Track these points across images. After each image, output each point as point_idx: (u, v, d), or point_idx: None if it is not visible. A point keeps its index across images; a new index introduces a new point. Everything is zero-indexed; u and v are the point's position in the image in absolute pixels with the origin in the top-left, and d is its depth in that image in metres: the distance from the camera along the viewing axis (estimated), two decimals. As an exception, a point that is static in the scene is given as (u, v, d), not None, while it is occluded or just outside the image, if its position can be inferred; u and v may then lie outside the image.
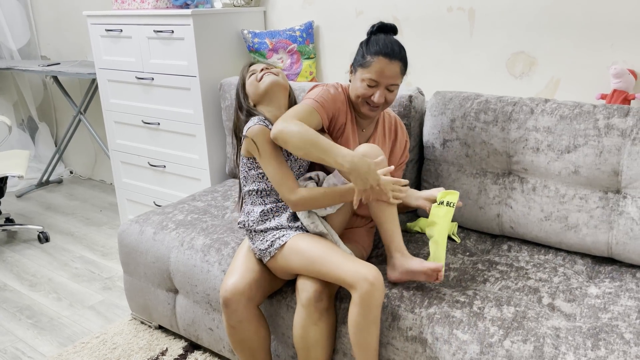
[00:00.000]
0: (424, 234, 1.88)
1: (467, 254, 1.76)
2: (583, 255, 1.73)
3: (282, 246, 1.51)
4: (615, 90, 1.82)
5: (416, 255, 1.71)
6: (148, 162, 2.76)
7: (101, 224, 3.21)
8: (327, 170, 1.64)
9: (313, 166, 1.68)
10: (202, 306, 1.83)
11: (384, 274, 1.58)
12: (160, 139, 2.67)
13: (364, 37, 2.41)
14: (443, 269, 1.44)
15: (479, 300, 1.45)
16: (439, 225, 1.52)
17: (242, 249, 1.65)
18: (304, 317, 1.45)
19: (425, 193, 1.64)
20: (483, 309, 1.42)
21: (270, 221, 1.56)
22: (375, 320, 1.38)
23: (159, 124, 2.63)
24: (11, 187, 3.83)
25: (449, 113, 1.86)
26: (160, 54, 2.51)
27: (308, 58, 2.54)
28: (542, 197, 1.71)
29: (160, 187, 2.78)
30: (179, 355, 1.95)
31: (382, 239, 1.54)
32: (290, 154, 1.59)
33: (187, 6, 2.61)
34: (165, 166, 2.69)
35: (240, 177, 1.64)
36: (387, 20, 2.31)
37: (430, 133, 1.92)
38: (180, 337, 2.07)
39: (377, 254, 1.75)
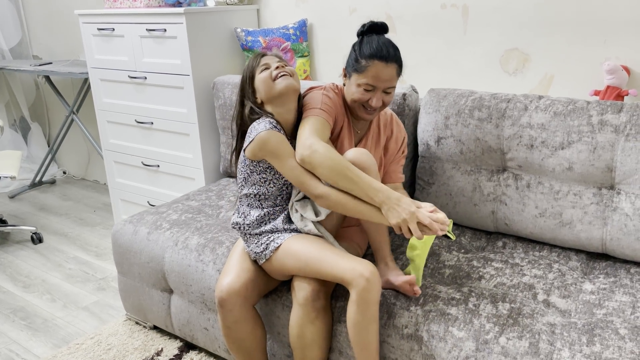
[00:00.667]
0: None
1: (462, 251, 1.76)
2: (577, 251, 1.73)
3: (276, 248, 1.50)
4: (608, 87, 1.82)
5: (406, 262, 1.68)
6: (142, 162, 2.74)
7: (95, 225, 3.19)
8: None
9: None
10: (197, 306, 1.82)
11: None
12: (154, 138, 2.66)
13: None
14: (408, 287, 1.46)
15: (475, 297, 1.45)
16: (419, 250, 1.49)
17: (236, 248, 1.64)
18: (300, 316, 1.45)
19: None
20: (478, 305, 1.42)
21: (266, 225, 1.55)
22: (374, 317, 1.38)
23: (152, 123, 2.62)
24: (3, 188, 3.80)
25: (443, 110, 1.86)
26: (153, 53, 2.49)
27: (302, 56, 2.53)
28: (536, 193, 1.71)
29: (154, 186, 2.76)
30: (174, 356, 1.95)
31: (371, 246, 1.54)
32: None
33: (179, 5, 2.60)
34: (159, 166, 2.68)
35: (239, 177, 1.58)
36: (381, 18, 2.31)
37: (424, 130, 1.92)
38: (176, 337, 2.06)
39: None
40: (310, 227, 1.51)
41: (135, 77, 2.59)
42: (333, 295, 1.54)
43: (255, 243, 1.54)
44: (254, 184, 1.54)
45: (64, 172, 4.11)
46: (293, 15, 2.57)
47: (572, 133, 1.63)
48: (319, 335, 1.46)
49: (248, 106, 1.55)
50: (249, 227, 1.54)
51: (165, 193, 2.71)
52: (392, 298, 1.48)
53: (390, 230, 1.74)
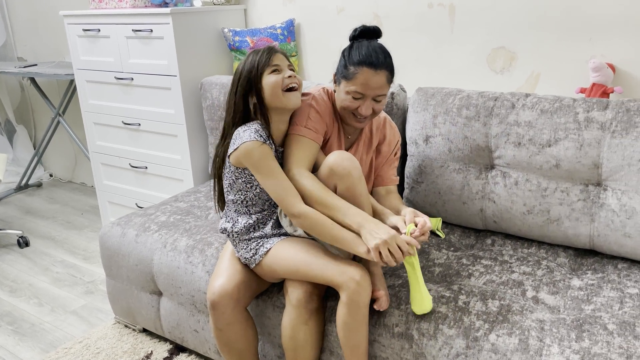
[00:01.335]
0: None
1: (452, 249, 1.76)
2: (565, 247, 1.75)
3: (265, 253, 1.49)
4: (594, 84, 1.84)
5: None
6: (129, 164, 2.72)
7: (82, 228, 3.16)
8: None
9: None
10: (186, 308, 1.81)
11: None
12: (141, 139, 2.64)
13: (345, 34, 2.40)
14: (385, 298, 1.42)
15: (464, 295, 1.46)
16: (410, 274, 1.40)
17: (227, 249, 1.63)
18: (293, 318, 1.44)
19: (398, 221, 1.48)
20: (468, 303, 1.43)
21: (255, 232, 1.53)
22: (363, 319, 1.38)
23: (139, 124, 2.59)
24: (-11, 192, 3.76)
25: (431, 109, 1.87)
26: (140, 54, 2.47)
27: (290, 56, 2.52)
28: (524, 191, 1.72)
29: (142, 188, 2.74)
30: (164, 359, 1.93)
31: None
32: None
33: (166, 5, 2.58)
34: (146, 167, 2.66)
35: (225, 183, 1.55)
36: (368, 17, 2.31)
37: (413, 129, 1.92)
38: (165, 339, 2.05)
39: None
40: (300, 231, 1.50)
41: (121, 78, 2.57)
42: (325, 295, 1.54)
43: (245, 248, 1.52)
44: (240, 190, 1.51)
45: (51, 175, 4.06)
46: (280, 15, 2.57)
47: (558, 130, 1.64)
48: (311, 336, 1.46)
49: (252, 103, 1.48)
50: (238, 233, 1.53)
51: (154, 195, 2.69)
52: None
53: None
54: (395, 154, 1.72)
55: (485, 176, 1.80)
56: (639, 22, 1.79)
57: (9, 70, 3.22)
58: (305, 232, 1.49)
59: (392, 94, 1.95)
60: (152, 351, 1.98)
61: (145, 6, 2.62)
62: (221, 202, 1.61)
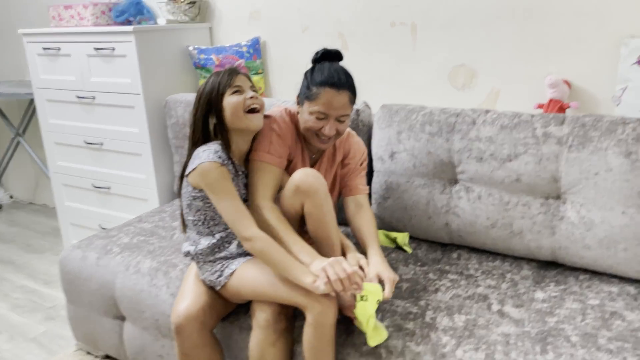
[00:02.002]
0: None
1: (419, 264, 1.77)
2: (529, 260, 1.77)
3: (230, 275, 1.46)
4: (551, 100, 1.89)
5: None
6: (92, 184, 2.66)
7: (43, 251, 3.05)
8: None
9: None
10: (151, 332, 1.76)
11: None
12: (104, 159, 2.58)
13: (311, 52, 2.41)
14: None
15: (431, 311, 1.46)
16: (358, 322, 1.36)
17: (191, 271, 1.60)
18: (261, 339, 1.41)
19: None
20: (435, 319, 1.43)
21: (220, 252, 1.50)
22: (330, 340, 1.36)
23: (102, 144, 2.54)
24: (-56, 215, 3.61)
25: (396, 125, 1.89)
26: (102, 72, 2.43)
27: (256, 74, 2.53)
28: (487, 205, 1.75)
29: (105, 209, 2.68)
30: (128, 385, 1.87)
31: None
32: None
33: (129, 23, 2.55)
34: (110, 187, 2.60)
35: (183, 204, 1.52)
36: (333, 35, 2.33)
37: (378, 145, 1.94)
38: (130, 365, 1.99)
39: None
40: None
41: (83, 97, 2.52)
42: (293, 314, 1.52)
43: (209, 271, 1.49)
44: (199, 210, 1.48)
45: (11, 197, 3.93)
46: (246, 33, 2.57)
47: (518, 145, 1.68)
48: (279, 357, 1.43)
49: (212, 123, 1.46)
50: (202, 254, 1.50)
51: (118, 216, 2.63)
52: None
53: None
54: (362, 163, 1.72)
55: (450, 191, 1.83)
56: (592, 39, 1.86)
57: (-35, 89, 3.12)
58: None
59: (357, 110, 1.96)
60: (115, 378, 1.91)
61: (108, 24, 2.59)
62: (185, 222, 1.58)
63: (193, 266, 1.60)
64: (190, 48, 2.50)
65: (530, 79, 1.99)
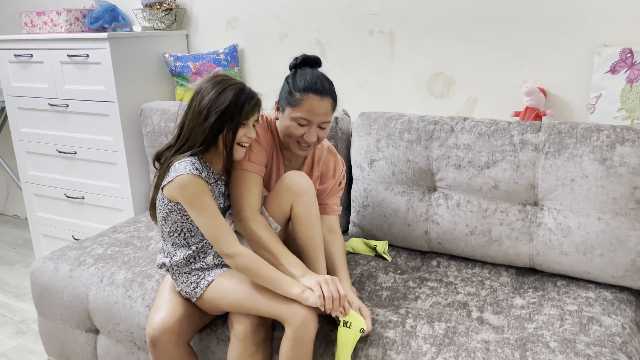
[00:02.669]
0: (356, 253, 1.87)
1: (399, 272, 1.76)
2: (508, 267, 1.78)
3: (207, 286, 1.43)
4: (527, 108, 1.91)
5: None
6: (65, 194, 2.59)
7: (14, 263, 2.96)
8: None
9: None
10: (125, 345, 1.71)
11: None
12: (78, 168, 2.52)
13: (288, 60, 2.40)
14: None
15: (411, 319, 1.45)
16: (341, 348, 1.34)
17: (167, 281, 1.56)
18: (239, 351, 1.38)
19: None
20: (415, 327, 1.42)
21: (195, 263, 1.46)
22: (308, 355, 1.34)
23: (75, 152, 2.49)
24: None
25: (375, 133, 1.88)
26: (75, 79, 2.38)
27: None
28: (466, 212, 1.75)
29: (79, 219, 2.61)
30: (101, 401, 1.81)
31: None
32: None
33: (104, 30, 2.51)
34: (83, 197, 2.54)
35: (159, 215, 1.47)
36: (311, 44, 2.33)
37: (357, 153, 1.93)
38: (104, 380, 1.93)
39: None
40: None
41: (56, 105, 2.46)
42: (271, 325, 1.49)
43: (185, 282, 1.46)
44: (175, 222, 1.44)
45: (-20, 208, 3.82)
46: (223, 41, 2.55)
47: (496, 152, 1.69)
48: (258, 369, 1.41)
49: (225, 137, 1.38)
50: (177, 266, 1.46)
51: (91, 226, 2.57)
52: (329, 325, 1.45)
53: None
54: (340, 183, 1.71)
55: (429, 198, 1.83)
56: (567, 48, 1.89)
57: None
58: None
59: (336, 118, 1.95)
60: (88, 394, 1.85)
61: (82, 31, 2.54)
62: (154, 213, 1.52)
63: (169, 277, 1.56)
64: (167, 55, 2.47)
65: (507, 87, 2.01)
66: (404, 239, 1.89)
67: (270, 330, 1.46)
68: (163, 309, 1.45)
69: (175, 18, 2.56)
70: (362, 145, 1.91)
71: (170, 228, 1.45)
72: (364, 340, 1.39)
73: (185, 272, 1.46)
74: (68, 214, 2.63)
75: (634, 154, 1.53)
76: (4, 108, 3.15)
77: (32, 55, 2.46)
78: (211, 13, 2.54)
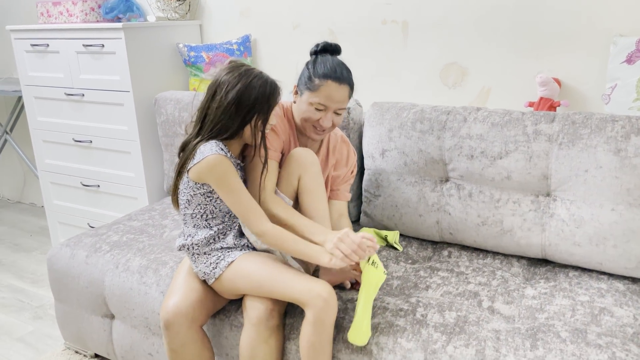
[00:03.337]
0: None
1: (410, 261, 1.77)
2: (519, 257, 1.78)
3: (227, 267, 1.45)
4: (541, 98, 1.90)
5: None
6: (80, 182, 2.63)
7: (31, 250, 3.02)
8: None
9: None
10: (140, 331, 1.74)
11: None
12: (93, 157, 2.56)
13: (301, 50, 2.42)
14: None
15: (422, 308, 1.46)
16: (365, 289, 1.39)
17: (182, 267, 1.58)
18: (253, 336, 1.40)
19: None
20: (426, 315, 1.43)
21: (215, 243, 1.49)
22: (329, 338, 1.36)
23: (91, 141, 2.52)
24: None
25: (387, 123, 1.89)
26: (91, 69, 2.41)
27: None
28: (478, 202, 1.75)
29: (94, 207, 2.65)
30: (117, 384, 1.85)
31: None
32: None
33: (119, 20, 2.53)
34: (99, 186, 2.58)
35: (182, 199, 1.50)
36: (324, 33, 2.33)
37: (369, 143, 1.93)
38: (119, 364, 1.97)
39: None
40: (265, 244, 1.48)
41: (72, 94, 2.49)
42: (285, 312, 1.51)
43: (204, 263, 1.48)
44: (199, 204, 1.47)
45: (-2, 196, 3.89)
46: (236, 31, 2.56)
47: (509, 143, 1.68)
48: (271, 355, 1.42)
49: (255, 125, 1.43)
50: (197, 245, 1.48)
51: (107, 214, 2.61)
52: (341, 312, 1.46)
53: None
54: (352, 171, 1.77)
55: (440, 189, 1.83)
56: (583, 38, 1.87)
57: (-49, 86, 3.08)
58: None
59: (349, 108, 1.96)
60: (104, 377, 1.89)
61: (97, 21, 2.57)
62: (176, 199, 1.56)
63: (185, 262, 1.59)
64: (180, 45, 2.48)
65: (521, 77, 2.00)
66: (415, 229, 1.89)
67: (283, 317, 1.48)
68: (177, 293, 1.48)
69: (189, 8, 2.58)
70: (374, 135, 1.91)
71: (193, 210, 1.48)
72: (375, 328, 1.40)
73: (204, 253, 1.48)
74: (84, 202, 2.68)
75: (649, 145, 1.52)
76: (21, 97, 3.19)
77: (48, 45, 2.48)
78: (224, 3, 2.55)
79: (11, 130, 3.36)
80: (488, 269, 1.69)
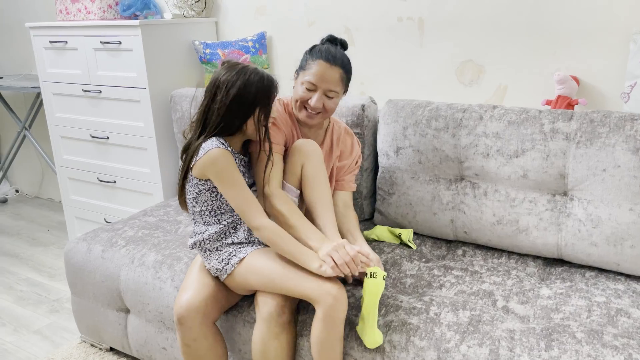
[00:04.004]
0: (381, 241, 1.88)
1: (423, 260, 1.76)
2: (535, 257, 1.76)
3: (239, 263, 1.46)
4: (559, 96, 1.88)
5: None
6: (97, 178, 2.66)
7: (48, 244, 3.06)
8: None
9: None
10: (154, 325, 1.76)
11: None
12: (110, 153, 2.58)
13: (316, 47, 2.42)
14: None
15: (435, 306, 1.45)
16: (366, 300, 1.36)
17: (196, 262, 1.60)
18: (264, 332, 1.41)
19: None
20: (439, 314, 1.42)
21: (226, 238, 1.50)
22: (339, 336, 1.36)
23: (108, 137, 2.55)
24: (-50, 208, 3.63)
25: (402, 121, 1.88)
26: (108, 66, 2.44)
27: (262, 68, 2.52)
28: (493, 201, 1.74)
29: (110, 203, 2.68)
30: (131, 378, 1.87)
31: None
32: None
33: (135, 17, 2.56)
34: (115, 181, 2.60)
35: (189, 197, 1.51)
36: (339, 30, 2.33)
37: (383, 141, 1.93)
38: (133, 358, 1.99)
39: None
40: None
41: (89, 91, 2.52)
42: (297, 308, 1.51)
43: (217, 259, 1.49)
44: (206, 201, 1.48)
45: (17, 191, 3.95)
46: (252, 28, 2.56)
47: (525, 141, 1.66)
48: (282, 351, 1.43)
49: (256, 120, 1.45)
50: (208, 241, 1.50)
51: (122, 209, 2.64)
52: (353, 309, 1.46)
53: None
54: (357, 162, 1.78)
55: (455, 187, 1.81)
56: (601, 36, 1.84)
57: (-28, 83, 3.14)
58: None
59: (363, 106, 1.95)
60: (119, 370, 1.92)
61: (114, 18, 2.59)
62: (183, 200, 1.57)
63: (198, 258, 1.60)
64: (196, 42, 2.50)
65: (538, 75, 1.98)
66: (429, 227, 1.88)
67: (295, 313, 1.48)
68: (190, 289, 1.49)
69: (205, 5, 2.59)
70: (389, 132, 1.91)
71: (201, 208, 1.49)
72: (388, 326, 1.40)
73: (216, 249, 1.49)
74: (100, 198, 2.71)
75: (669, 144, 1.49)
76: (39, 94, 3.24)
77: (66, 42, 2.52)
78: (240, 0, 2.56)
79: (30, 126, 3.40)
80: (503, 269, 1.67)
